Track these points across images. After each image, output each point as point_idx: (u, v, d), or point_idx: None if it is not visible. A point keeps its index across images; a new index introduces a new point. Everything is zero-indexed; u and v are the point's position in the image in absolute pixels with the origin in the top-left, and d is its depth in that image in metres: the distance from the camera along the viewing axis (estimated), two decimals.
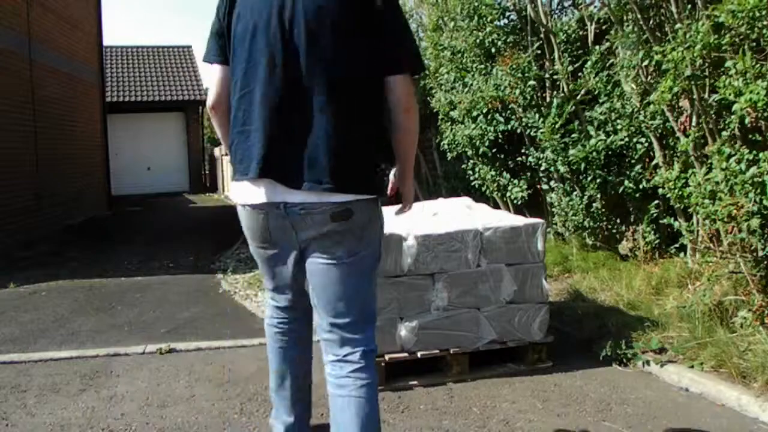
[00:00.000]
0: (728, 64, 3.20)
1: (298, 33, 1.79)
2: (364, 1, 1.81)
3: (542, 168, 5.21)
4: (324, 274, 1.89)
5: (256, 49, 1.84)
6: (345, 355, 1.90)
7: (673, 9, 3.77)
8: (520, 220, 3.38)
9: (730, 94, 3.12)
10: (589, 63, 4.71)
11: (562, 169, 4.89)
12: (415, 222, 3.34)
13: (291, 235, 1.89)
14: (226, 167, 18.17)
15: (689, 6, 3.74)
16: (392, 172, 2.04)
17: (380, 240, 2.00)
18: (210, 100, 2.02)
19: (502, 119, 5.43)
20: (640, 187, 4.47)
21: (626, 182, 4.52)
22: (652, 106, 3.99)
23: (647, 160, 4.41)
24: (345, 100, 1.80)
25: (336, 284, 1.89)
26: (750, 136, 3.34)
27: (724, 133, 3.43)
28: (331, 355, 1.92)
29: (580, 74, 4.83)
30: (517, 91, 5.12)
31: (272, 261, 2.03)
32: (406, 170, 2.03)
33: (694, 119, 3.80)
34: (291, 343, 2.20)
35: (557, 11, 5.61)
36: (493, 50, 5.44)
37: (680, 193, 3.72)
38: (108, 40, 15.03)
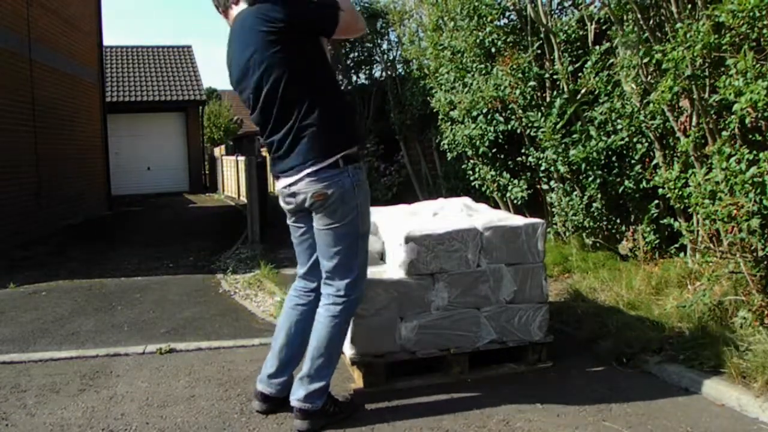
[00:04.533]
0: (729, 62, 3.20)
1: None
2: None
3: (542, 168, 5.20)
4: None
5: None
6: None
7: (673, 9, 3.77)
8: (520, 220, 3.38)
9: (730, 94, 3.12)
10: (589, 63, 4.70)
11: (562, 169, 4.88)
12: (415, 222, 3.34)
13: None
14: (225, 167, 18.18)
15: (689, 6, 3.74)
16: None
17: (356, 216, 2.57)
18: None
19: (502, 119, 5.43)
20: (640, 187, 4.47)
21: (626, 182, 4.51)
22: (652, 106, 3.98)
23: (647, 160, 4.41)
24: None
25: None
26: (750, 136, 3.34)
27: (724, 133, 3.42)
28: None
29: (580, 74, 4.82)
30: (517, 91, 5.12)
31: None
32: None
33: (694, 119, 3.80)
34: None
35: (557, 11, 5.60)
36: (493, 50, 5.43)
37: (680, 193, 3.72)
38: (108, 40, 15.04)
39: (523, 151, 5.42)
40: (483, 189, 5.99)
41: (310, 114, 2.48)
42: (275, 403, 2.74)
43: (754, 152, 3.12)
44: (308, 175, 2.50)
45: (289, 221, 2.77)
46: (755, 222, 3.02)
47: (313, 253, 2.73)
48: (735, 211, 3.08)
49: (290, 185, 2.56)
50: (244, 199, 11.70)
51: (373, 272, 3.17)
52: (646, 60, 3.99)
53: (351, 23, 2.55)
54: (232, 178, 16.88)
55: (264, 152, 14.12)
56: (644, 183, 4.42)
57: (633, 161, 4.51)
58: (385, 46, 9.15)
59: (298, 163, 2.51)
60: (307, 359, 2.63)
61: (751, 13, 3.03)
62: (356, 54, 9.69)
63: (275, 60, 2.46)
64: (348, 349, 3.08)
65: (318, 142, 2.49)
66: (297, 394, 2.60)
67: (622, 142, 4.48)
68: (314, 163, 2.49)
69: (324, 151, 2.50)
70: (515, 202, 5.60)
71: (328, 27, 2.52)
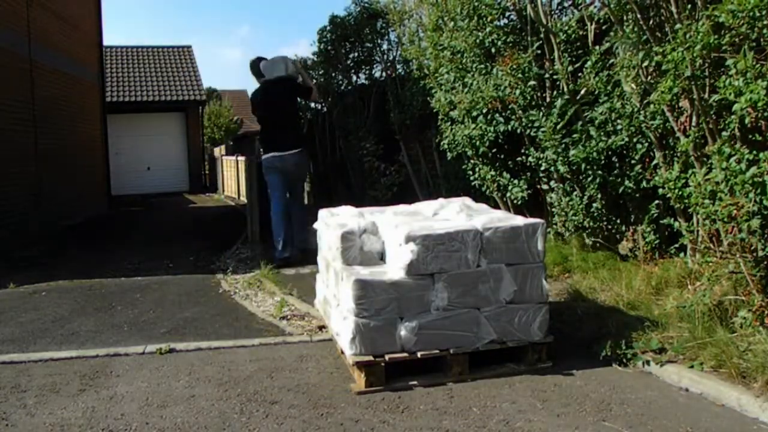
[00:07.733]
0: (728, 63, 3.20)
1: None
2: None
3: (542, 168, 5.20)
4: None
5: None
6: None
7: (673, 9, 3.77)
8: (520, 220, 3.38)
9: (730, 94, 3.12)
10: (589, 63, 4.70)
11: (562, 169, 4.88)
12: (415, 222, 3.34)
13: None
14: (225, 167, 18.18)
15: (689, 6, 3.74)
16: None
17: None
18: None
19: (501, 119, 5.43)
20: (640, 187, 4.46)
21: (626, 182, 4.51)
22: (652, 106, 3.98)
23: (647, 160, 4.40)
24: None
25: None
26: (750, 136, 3.34)
27: (724, 133, 3.42)
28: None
29: (580, 74, 4.82)
30: (517, 91, 5.12)
31: None
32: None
33: (694, 119, 3.80)
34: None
35: (557, 11, 5.59)
36: (493, 50, 5.43)
37: (680, 193, 3.72)
38: (108, 40, 15.04)
39: (523, 151, 5.42)
40: (483, 189, 5.99)
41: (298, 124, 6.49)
42: (288, 261, 6.21)
43: (754, 152, 3.12)
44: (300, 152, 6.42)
45: (273, 175, 6.32)
46: (755, 222, 3.02)
47: (286, 191, 6.35)
48: (735, 212, 3.08)
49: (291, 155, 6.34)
50: (244, 199, 11.70)
51: (373, 272, 3.18)
52: (646, 62, 3.99)
53: (315, 97, 7.56)
54: (232, 178, 16.88)
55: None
56: (644, 183, 4.42)
57: (633, 161, 4.50)
58: (385, 46, 9.15)
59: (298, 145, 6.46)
60: (297, 234, 6.35)
61: (751, 13, 3.03)
62: (356, 54, 9.68)
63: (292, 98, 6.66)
64: (348, 350, 3.08)
65: (301, 138, 6.53)
66: (295, 244, 6.36)
67: (622, 143, 4.48)
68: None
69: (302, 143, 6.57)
70: (515, 202, 5.60)
71: (307, 95, 7.10)
